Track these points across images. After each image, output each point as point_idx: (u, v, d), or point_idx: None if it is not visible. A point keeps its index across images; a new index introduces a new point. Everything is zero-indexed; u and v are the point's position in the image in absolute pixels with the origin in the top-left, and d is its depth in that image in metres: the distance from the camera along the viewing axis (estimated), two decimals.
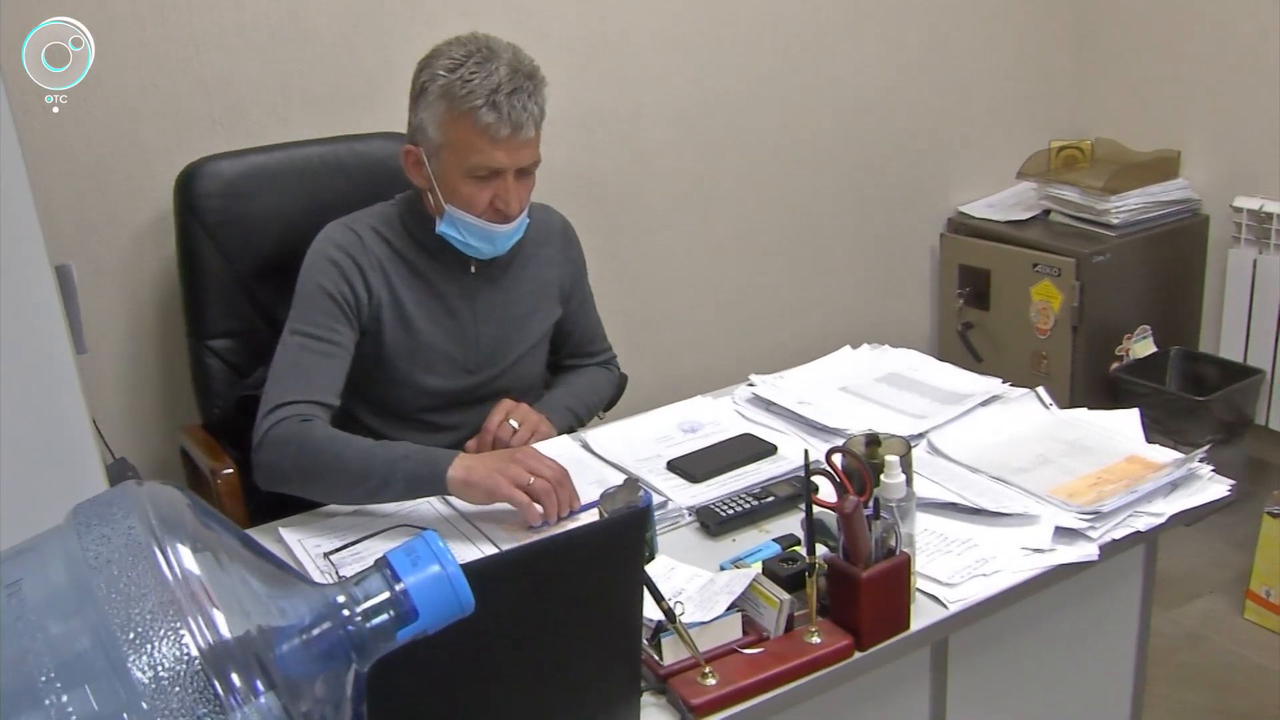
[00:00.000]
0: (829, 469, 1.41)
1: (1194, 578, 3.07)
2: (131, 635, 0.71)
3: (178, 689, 0.70)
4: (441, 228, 1.96)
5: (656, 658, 1.35)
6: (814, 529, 1.42)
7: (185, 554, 0.77)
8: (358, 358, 1.97)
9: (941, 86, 3.61)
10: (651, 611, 1.31)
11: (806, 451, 1.44)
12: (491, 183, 1.91)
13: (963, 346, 3.62)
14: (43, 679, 0.70)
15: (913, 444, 1.61)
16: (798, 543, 1.61)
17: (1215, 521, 3.19)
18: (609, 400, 2.31)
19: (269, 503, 2.22)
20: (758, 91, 3.26)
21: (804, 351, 2.35)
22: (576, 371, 2.27)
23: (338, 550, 1.69)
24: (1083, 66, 3.83)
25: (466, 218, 1.94)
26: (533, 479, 1.68)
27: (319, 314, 1.95)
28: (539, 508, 1.68)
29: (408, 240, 2.03)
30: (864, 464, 1.42)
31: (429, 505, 1.82)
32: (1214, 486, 1.76)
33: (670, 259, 3.25)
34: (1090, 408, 2.02)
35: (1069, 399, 3.29)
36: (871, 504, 1.41)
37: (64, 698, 0.70)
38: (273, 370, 1.91)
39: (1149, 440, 1.89)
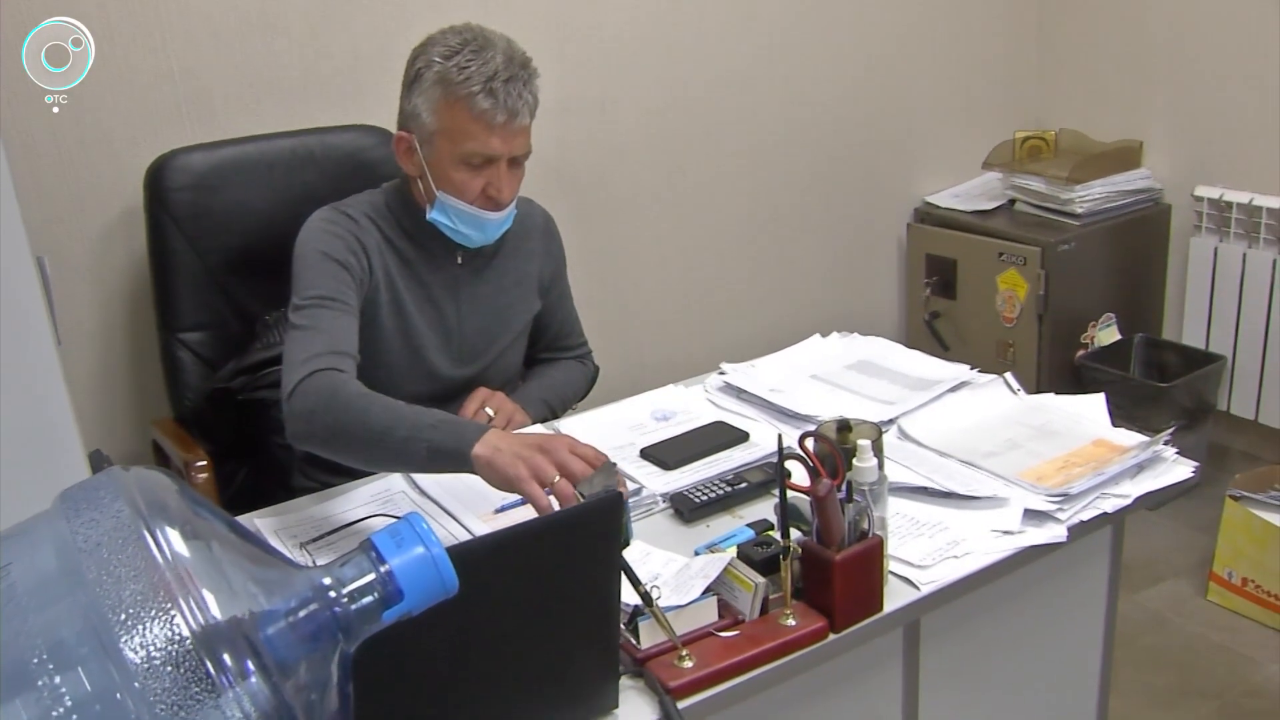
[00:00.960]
0: (802, 454, 1.43)
1: (1157, 562, 3.12)
2: (123, 616, 0.72)
3: (170, 669, 0.71)
4: (432, 215, 1.95)
5: (634, 641, 1.36)
6: (788, 513, 1.44)
7: (174, 537, 0.78)
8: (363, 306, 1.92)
9: (907, 79, 3.64)
10: (629, 596, 1.33)
11: (780, 436, 1.45)
12: (484, 171, 1.91)
13: (929, 335, 3.65)
14: (35, 661, 0.71)
15: (883, 429, 1.63)
16: (771, 527, 1.63)
17: (1177, 506, 3.24)
18: (582, 393, 2.31)
19: (244, 495, 2.22)
20: (727, 83, 3.28)
21: (773, 340, 2.37)
22: (551, 364, 2.27)
23: (313, 541, 1.70)
24: (1046, 58, 3.87)
25: (458, 204, 1.93)
26: (558, 478, 1.49)
27: (326, 278, 1.87)
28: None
29: (396, 228, 2.01)
30: (836, 449, 1.44)
31: (404, 494, 1.83)
32: (1179, 468, 1.79)
33: (640, 249, 3.27)
34: (1056, 394, 2.05)
35: (1035, 386, 3.33)
36: (844, 488, 1.43)
37: (57, 679, 0.71)
38: (290, 338, 1.81)
39: (1114, 425, 1.92)
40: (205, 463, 2.15)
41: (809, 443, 1.46)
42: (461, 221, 1.95)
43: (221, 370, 2.29)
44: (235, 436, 2.30)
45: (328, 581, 0.84)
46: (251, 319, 2.33)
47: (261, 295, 2.31)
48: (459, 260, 2.04)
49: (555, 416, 2.16)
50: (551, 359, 2.28)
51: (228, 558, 0.81)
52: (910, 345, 2.30)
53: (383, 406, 1.65)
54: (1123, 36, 3.65)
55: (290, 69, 2.60)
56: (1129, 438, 1.86)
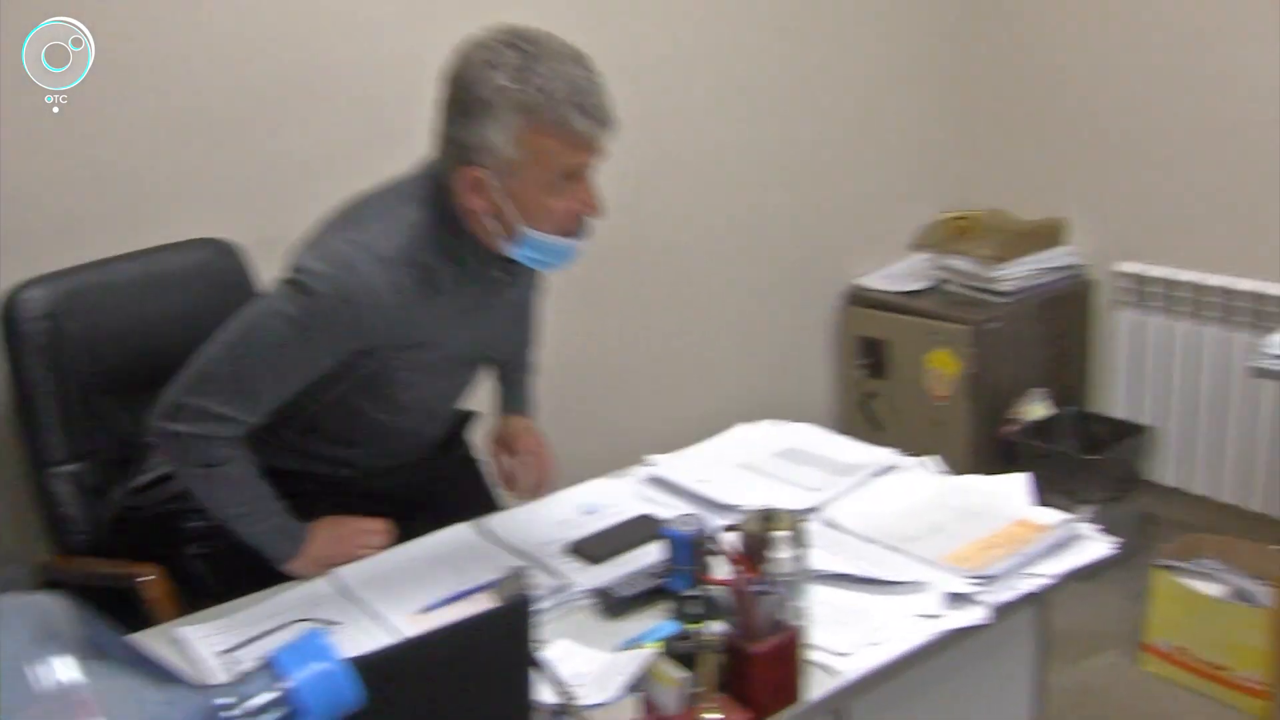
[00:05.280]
0: (720, 547, 1.45)
1: (1092, 632, 3.13)
2: None
3: None
4: (519, 251, 1.82)
5: None
6: (709, 607, 1.45)
7: (68, 664, 0.78)
8: (365, 369, 1.88)
9: (834, 163, 3.68)
10: (552, 695, 1.33)
11: (700, 531, 1.47)
12: (576, 186, 1.79)
13: (864, 417, 3.68)
14: None
15: (810, 517, 1.65)
16: (701, 619, 1.63)
17: (1111, 576, 3.23)
18: None
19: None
20: (653, 169, 3.27)
21: (707, 427, 2.37)
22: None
23: (236, 648, 1.68)
24: (971, 139, 3.94)
25: (547, 238, 1.80)
26: (361, 550, 1.92)
27: (294, 347, 1.81)
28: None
29: (436, 256, 1.83)
30: (753, 540, 1.45)
31: (333, 596, 1.82)
32: (1098, 545, 1.82)
33: (560, 339, 3.23)
34: (990, 470, 2.08)
35: (968, 462, 3.36)
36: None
37: None
38: (205, 363, 1.81)
39: (1047, 500, 1.95)
40: (153, 576, 1.99)
41: (730, 535, 1.48)
42: (550, 254, 1.84)
43: (112, 495, 2.15)
44: (144, 552, 2.08)
45: (228, 701, 0.84)
46: (131, 438, 2.14)
47: (137, 414, 2.05)
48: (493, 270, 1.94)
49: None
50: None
51: (124, 681, 0.81)
52: (845, 427, 2.33)
53: (234, 496, 1.88)
54: (1044, 116, 3.74)
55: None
56: (1050, 516, 1.89)
